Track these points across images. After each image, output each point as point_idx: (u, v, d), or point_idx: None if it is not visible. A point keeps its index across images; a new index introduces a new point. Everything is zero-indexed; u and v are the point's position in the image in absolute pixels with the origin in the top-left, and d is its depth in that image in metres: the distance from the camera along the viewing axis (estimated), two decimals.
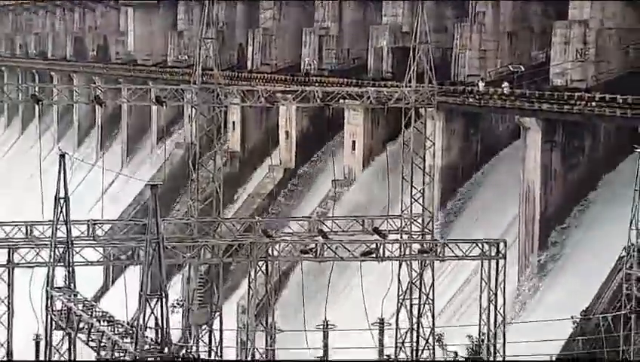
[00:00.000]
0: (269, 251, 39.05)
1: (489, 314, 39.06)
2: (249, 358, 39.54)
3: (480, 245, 39.34)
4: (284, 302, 53.03)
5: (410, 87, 42.65)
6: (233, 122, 72.56)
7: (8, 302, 36.87)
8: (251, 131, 72.77)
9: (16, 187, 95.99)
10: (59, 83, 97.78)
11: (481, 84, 51.01)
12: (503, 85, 49.95)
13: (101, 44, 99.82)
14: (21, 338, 36.84)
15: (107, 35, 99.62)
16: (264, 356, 39.11)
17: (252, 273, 39.63)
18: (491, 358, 38.10)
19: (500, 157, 54.72)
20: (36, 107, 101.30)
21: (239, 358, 41.17)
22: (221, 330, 40.51)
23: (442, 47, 55.60)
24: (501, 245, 39.26)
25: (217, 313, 40.92)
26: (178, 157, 77.67)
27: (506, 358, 36.95)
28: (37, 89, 44.16)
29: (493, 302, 39.03)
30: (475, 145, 54.78)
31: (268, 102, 43.45)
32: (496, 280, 39.00)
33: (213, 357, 39.92)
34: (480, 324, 39.15)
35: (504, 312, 39.41)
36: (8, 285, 36.71)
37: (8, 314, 36.93)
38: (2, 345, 37.24)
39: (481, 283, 39.46)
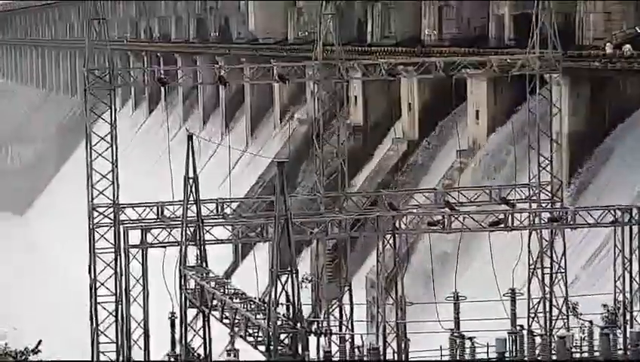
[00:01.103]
0: (396, 224, 38.98)
1: (624, 281, 38.36)
2: (380, 331, 39.58)
3: (612, 211, 38.60)
4: (413, 274, 52.91)
5: (533, 53, 42.02)
6: (355, 96, 72.55)
7: (143, 282, 37.72)
8: (373, 105, 72.64)
9: (146, 168, 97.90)
10: (183, 65, 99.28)
11: (609, 47, 49.73)
12: (624, 47, 48.72)
13: (222, 25, 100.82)
14: (157, 317, 37.61)
15: (228, 16, 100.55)
16: (395, 329, 39.13)
17: (380, 246, 39.63)
18: (628, 327, 37.36)
19: (630, 121, 53.49)
20: (162, 89, 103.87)
21: (371, 331, 41.29)
22: (351, 304, 40.66)
23: (565, 12, 54.50)
24: (634, 211, 38.48)
25: (347, 287, 41.08)
26: (301, 134, 78.06)
27: None
28: (162, 72, 44.75)
29: (628, 270, 38.31)
30: (604, 109, 53.65)
31: (389, 75, 43.30)
32: (630, 246, 38.25)
33: (344, 331, 40.10)
34: (615, 293, 38.46)
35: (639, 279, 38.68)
36: (142, 265, 37.52)
37: (143, 293, 37.80)
38: (139, 324, 38.13)
39: (614, 250, 38.73)
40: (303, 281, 45.69)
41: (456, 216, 39.36)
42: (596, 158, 53.52)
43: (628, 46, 48.78)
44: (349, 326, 40.44)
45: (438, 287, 43.63)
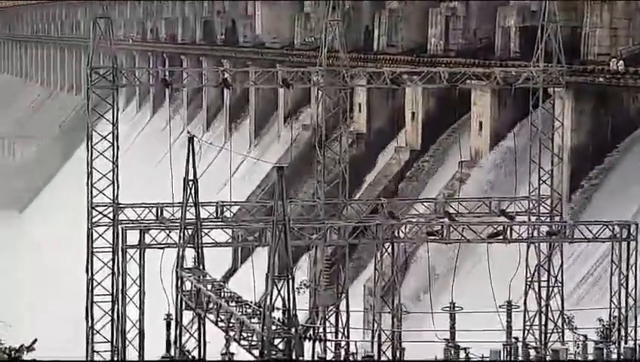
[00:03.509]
0: (395, 233, 39.02)
1: (620, 297, 38.44)
2: (375, 339, 39.61)
3: (610, 227, 38.69)
4: (410, 283, 52.97)
5: (538, 66, 42.08)
6: (359, 104, 72.56)
7: (140, 283, 37.73)
8: (377, 113, 72.61)
9: (146, 169, 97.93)
10: (188, 66, 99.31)
11: (620, 63, 49.48)
12: (618, 63, 48.78)
13: (229, 28, 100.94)
14: (153, 318, 37.63)
15: (235, 19, 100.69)
16: (390, 337, 39.16)
17: (378, 255, 39.68)
18: (623, 342, 37.44)
19: (633, 137, 53.52)
20: (166, 90, 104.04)
21: (367, 339, 41.30)
22: (348, 312, 40.69)
23: (571, 26, 54.58)
24: (632, 227, 38.59)
25: (344, 294, 41.10)
26: (305, 139, 78.06)
27: (638, 342, 36.27)
28: (167, 73, 44.80)
29: (624, 285, 38.39)
30: (607, 125, 53.66)
31: (394, 84, 43.43)
32: (627, 262, 38.35)
33: (340, 338, 40.13)
34: (610, 307, 38.54)
35: (636, 295, 38.73)
36: (140, 266, 37.54)
37: (140, 294, 37.79)
38: (134, 325, 38.13)
39: (611, 265, 38.83)
40: (300, 287, 45.78)
41: (455, 226, 39.42)
42: (598, 173, 53.51)
43: (621, 62, 48.91)
44: (345, 333, 40.47)
45: (435, 297, 43.62)
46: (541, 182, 42.26)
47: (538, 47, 42.17)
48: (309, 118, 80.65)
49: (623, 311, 38.29)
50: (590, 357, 35.41)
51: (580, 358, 36.17)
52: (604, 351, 34.98)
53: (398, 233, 39.16)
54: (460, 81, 42.84)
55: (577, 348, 36.81)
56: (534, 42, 42.73)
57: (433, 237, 39.60)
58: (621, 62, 48.89)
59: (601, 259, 46.33)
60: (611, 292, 38.68)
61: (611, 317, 38.46)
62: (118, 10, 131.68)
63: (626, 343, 37.26)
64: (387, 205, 42.59)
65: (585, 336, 36.91)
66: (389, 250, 39.30)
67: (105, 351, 39.21)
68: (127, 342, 38.43)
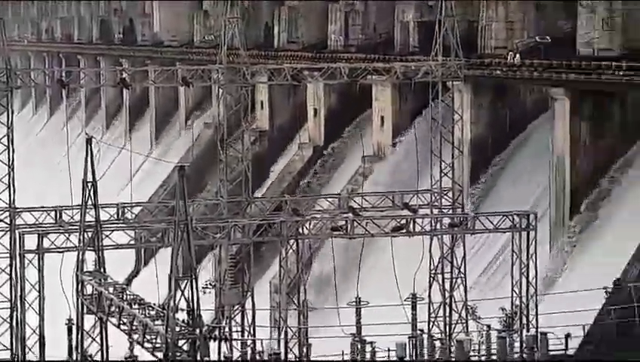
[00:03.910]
0: (300, 229, 38.94)
1: (521, 286, 38.91)
2: (282, 336, 39.51)
3: (510, 217, 39.14)
4: (315, 279, 53.00)
5: (436, 60, 42.40)
6: (261, 101, 72.40)
7: (39, 288, 36.96)
8: (279, 109, 72.58)
9: (44, 172, 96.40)
10: (85, 67, 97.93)
11: (516, 57, 50.19)
12: (514, 56, 49.48)
13: (127, 27, 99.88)
14: (53, 324, 36.94)
15: (133, 18, 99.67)
16: (297, 334, 39.10)
17: (283, 252, 39.57)
18: (524, 331, 37.96)
19: (530, 129, 54.33)
20: (63, 91, 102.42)
21: (273, 337, 41.20)
22: (253, 310, 40.51)
23: (468, 20, 55.19)
24: (531, 217, 39.07)
25: (249, 293, 40.91)
26: (207, 138, 77.63)
27: (539, 329, 36.82)
28: (63, 73, 44.08)
29: (525, 274, 38.86)
30: (504, 118, 54.39)
31: (295, 80, 43.35)
32: (528, 252, 38.83)
33: (246, 337, 39.95)
34: (512, 296, 39.02)
35: (536, 284, 39.23)
36: (38, 271, 36.78)
37: (39, 299, 37.01)
38: (34, 331, 37.36)
39: (512, 255, 39.30)
40: (205, 287, 45.45)
41: (359, 221, 39.47)
42: (497, 165, 54.22)
43: (517, 56, 49.68)
44: (251, 332, 40.29)
45: (341, 292, 43.73)
46: (442, 174, 42.56)
47: (436, 41, 42.48)
48: (211, 116, 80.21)
49: (524, 299, 38.75)
50: (494, 346, 35.82)
51: (483, 347, 36.57)
52: (507, 339, 35.42)
53: (303, 229, 39.07)
54: (361, 76, 42.94)
55: (481, 337, 37.24)
56: (433, 37, 43.05)
57: (337, 233, 39.59)
58: (517, 55, 49.63)
59: (502, 249, 46.94)
60: (512, 281, 39.13)
61: (513, 306, 38.92)
62: (11, 9, 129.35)
63: (527, 331, 37.74)
64: (291, 202, 42.53)
65: (488, 326, 37.36)
66: (294, 246, 39.21)
67: (4, 359, 38.33)
68: (27, 349, 37.65)
